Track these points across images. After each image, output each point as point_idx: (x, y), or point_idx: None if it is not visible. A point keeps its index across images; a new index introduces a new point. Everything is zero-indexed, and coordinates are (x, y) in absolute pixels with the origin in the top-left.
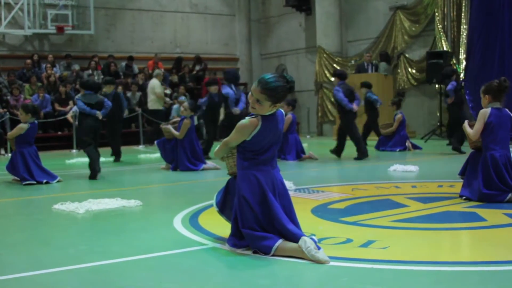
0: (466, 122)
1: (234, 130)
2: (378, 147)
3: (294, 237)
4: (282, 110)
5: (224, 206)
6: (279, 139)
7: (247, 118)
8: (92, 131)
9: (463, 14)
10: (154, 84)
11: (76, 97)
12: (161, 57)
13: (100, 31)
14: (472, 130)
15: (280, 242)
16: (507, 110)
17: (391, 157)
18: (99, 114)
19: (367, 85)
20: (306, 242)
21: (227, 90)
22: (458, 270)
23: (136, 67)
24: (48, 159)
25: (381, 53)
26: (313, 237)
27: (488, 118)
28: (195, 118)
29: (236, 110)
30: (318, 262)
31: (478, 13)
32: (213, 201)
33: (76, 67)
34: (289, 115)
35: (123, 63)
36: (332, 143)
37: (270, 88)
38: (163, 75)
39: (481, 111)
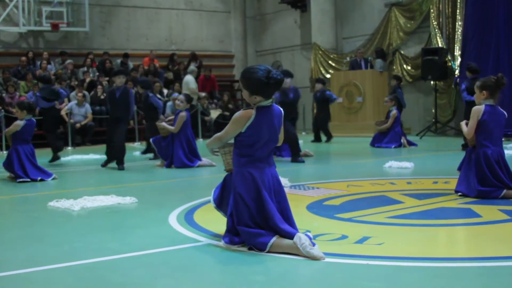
0: (463, 121)
1: (230, 122)
2: (373, 143)
3: (288, 236)
4: (281, 109)
5: (221, 202)
6: (276, 137)
7: (242, 109)
8: (58, 120)
9: (458, 11)
10: (189, 80)
11: (37, 93)
12: (156, 54)
13: (95, 28)
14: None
15: (275, 239)
16: (500, 109)
17: (386, 153)
18: (57, 104)
19: (321, 81)
20: (301, 239)
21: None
22: (453, 266)
23: (131, 64)
24: (43, 156)
25: (377, 50)
26: (308, 233)
27: (482, 116)
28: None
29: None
30: (313, 258)
31: (473, 9)
32: (211, 197)
33: (69, 61)
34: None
35: (118, 60)
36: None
37: (245, 77)
38: (197, 72)
39: (474, 108)
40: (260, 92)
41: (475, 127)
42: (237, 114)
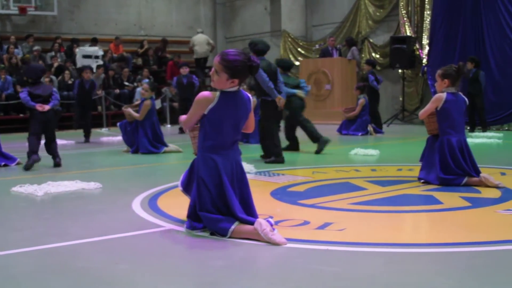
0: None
1: (193, 103)
2: (340, 130)
3: (249, 222)
4: (250, 96)
5: (188, 185)
6: (242, 124)
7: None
8: None
9: (426, 0)
10: None
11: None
12: (125, 39)
13: (63, 12)
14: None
15: (236, 224)
16: (461, 94)
17: (353, 141)
18: None
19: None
20: (261, 225)
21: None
22: (411, 252)
23: (98, 50)
24: (9, 142)
25: (347, 39)
26: (270, 219)
27: (444, 103)
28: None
29: None
30: (274, 243)
31: None
32: (179, 181)
33: (36, 47)
34: (254, 99)
35: (87, 45)
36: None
37: (228, 59)
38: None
39: (437, 95)
40: (240, 74)
41: (430, 113)
42: (199, 95)
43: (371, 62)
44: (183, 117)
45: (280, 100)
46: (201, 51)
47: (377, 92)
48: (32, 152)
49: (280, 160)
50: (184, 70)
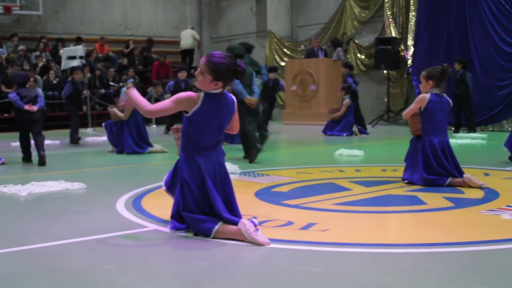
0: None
1: (170, 99)
2: (325, 131)
3: (233, 223)
4: (234, 97)
5: (172, 185)
6: (225, 126)
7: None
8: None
9: (411, 1)
10: None
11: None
12: (110, 39)
13: (48, 11)
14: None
15: (219, 225)
16: (445, 96)
17: (338, 141)
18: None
19: (273, 69)
20: (245, 225)
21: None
22: (395, 252)
23: (80, 49)
24: None
25: (332, 40)
26: (254, 219)
27: (428, 104)
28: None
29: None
30: (258, 244)
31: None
32: (162, 181)
33: (21, 47)
34: None
35: (72, 45)
36: (281, 127)
37: (213, 61)
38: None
39: (421, 95)
40: (224, 77)
41: (414, 113)
42: (183, 93)
43: (349, 65)
44: (141, 100)
45: (251, 100)
46: (184, 43)
47: (357, 94)
48: (26, 154)
49: (257, 150)
50: (182, 75)
